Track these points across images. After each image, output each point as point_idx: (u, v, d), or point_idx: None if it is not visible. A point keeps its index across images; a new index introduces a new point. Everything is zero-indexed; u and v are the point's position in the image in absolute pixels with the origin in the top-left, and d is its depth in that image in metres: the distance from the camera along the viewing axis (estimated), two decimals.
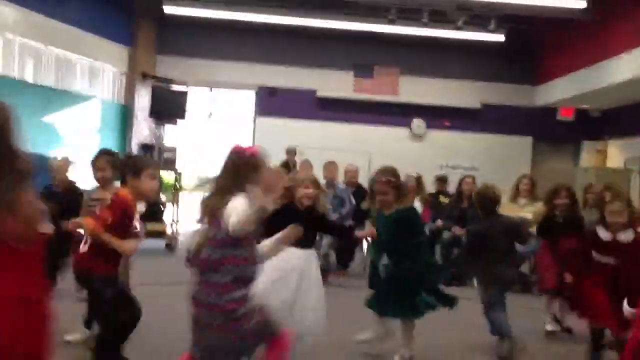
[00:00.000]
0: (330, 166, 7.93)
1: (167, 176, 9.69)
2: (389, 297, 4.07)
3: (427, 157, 12.59)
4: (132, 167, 3.40)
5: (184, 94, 11.84)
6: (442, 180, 8.90)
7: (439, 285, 4.19)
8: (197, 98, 12.81)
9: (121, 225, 3.35)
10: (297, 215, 3.73)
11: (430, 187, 8.92)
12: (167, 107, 11.29)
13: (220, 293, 2.75)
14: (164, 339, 4.32)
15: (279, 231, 3.28)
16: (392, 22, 11.33)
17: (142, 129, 11.92)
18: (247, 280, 2.83)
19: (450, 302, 4.09)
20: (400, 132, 13.20)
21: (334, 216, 6.53)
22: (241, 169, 2.87)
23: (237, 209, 2.70)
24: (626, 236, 3.96)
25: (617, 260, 3.95)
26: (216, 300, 2.75)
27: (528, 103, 13.12)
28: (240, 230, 2.69)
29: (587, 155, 13.23)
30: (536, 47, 12.86)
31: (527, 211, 6.94)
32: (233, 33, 12.77)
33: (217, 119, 13.37)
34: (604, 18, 10.19)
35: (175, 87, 12.12)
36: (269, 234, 3.30)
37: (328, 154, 12.04)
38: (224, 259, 2.77)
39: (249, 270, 2.84)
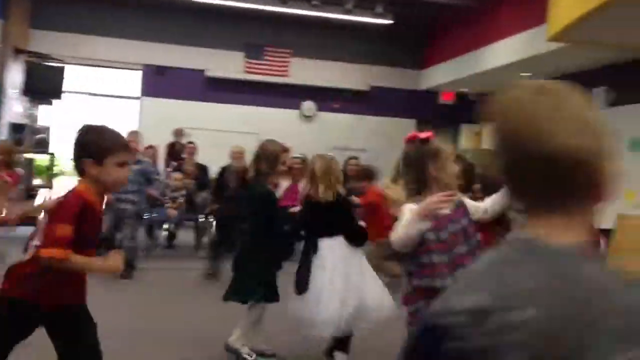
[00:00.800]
0: (132, 136, 6.84)
1: (40, 159, 9.16)
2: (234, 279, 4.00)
3: (317, 138, 12.72)
4: (92, 148, 2.41)
5: (61, 71, 11.15)
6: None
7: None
8: (76, 76, 12.13)
9: (77, 236, 2.33)
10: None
11: None
12: (42, 85, 10.59)
13: (405, 300, 2.56)
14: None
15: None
16: (283, 2, 11.29)
17: (14, 108, 11.12)
18: (426, 292, 2.41)
19: (271, 298, 3.91)
20: (290, 114, 13.25)
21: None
22: (416, 160, 2.52)
23: (401, 220, 2.39)
24: None
25: None
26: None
27: (414, 86, 13.59)
28: (396, 246, 2.41)
29: (466, 138, 13.95)
30: (422, 32, 13.31)
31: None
32: (116, 8, 12.19)
33: (99, 99, 12.77)
34: (486, 5, 10.73)
35: (52, 64, 11.38)
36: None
37: (217, 135, 11.92)
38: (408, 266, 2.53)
39: (425, 281, 2.44)
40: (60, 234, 2.25)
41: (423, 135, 2.53)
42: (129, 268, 6.16)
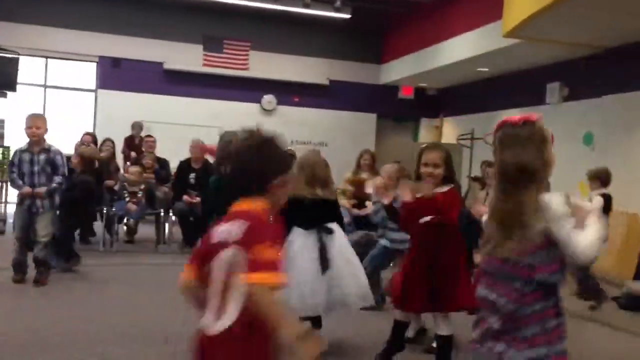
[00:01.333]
0: (38, 122, 5.69)
1: None
2: None
3: (278, 132, 12.68)
4: (279, 163, 1.99)
5: (16, 63, 10.83)
6: (290, 156, 9.06)
7: None
8: (30, 68, 11.79)
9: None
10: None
11: None
12: None
13: (520, 303, 2.19)
14: None
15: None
16: None
17: None
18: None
19: None
20: (250, 108, 13.19)
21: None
22: (531, 143, 2.16)
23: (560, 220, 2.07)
24: (442, 189, 3.63)
25: (433, 215, 3.59)
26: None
27: (374, 81, 13.71)
28: (592, 257, 2.09)
29: (425, 132, 14.17)
30: (381, 27, 13.43)
31: (369, 185, 7.31)
32: None
33: (54, 91, 12.46)
34: (443, 1, 10.90)
35: (6, 55, 11.03)
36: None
37: (176, 129, 11.80)
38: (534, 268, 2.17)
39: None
40: (270, 255, 1.74)
41: (535, 116, 2.22)
42: (46, 270, 5.70)
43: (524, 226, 2.12)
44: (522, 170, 2.14)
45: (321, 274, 3.85)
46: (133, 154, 9.93)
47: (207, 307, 1.84)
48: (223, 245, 1.83)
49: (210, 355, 1.82)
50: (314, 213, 4.03)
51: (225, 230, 1.86)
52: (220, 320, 1.79)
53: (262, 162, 1.94)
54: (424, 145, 3.93)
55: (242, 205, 1.92)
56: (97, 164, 7.71)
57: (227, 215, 1.93)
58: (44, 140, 5.60)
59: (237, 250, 1.79)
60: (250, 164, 1.94)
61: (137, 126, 10.69)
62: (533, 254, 2.14)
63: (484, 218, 4.12)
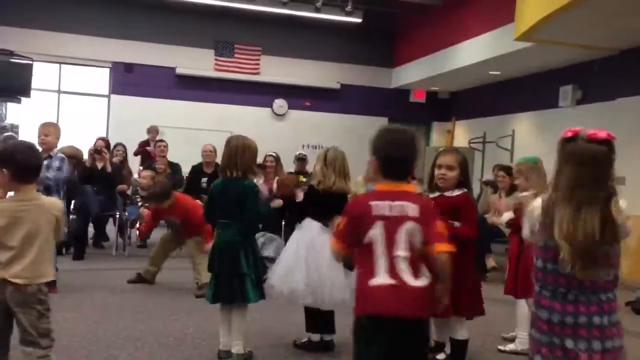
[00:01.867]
0: (45, 129, 5.46)
1: None
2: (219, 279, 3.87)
3: (289, 136, 12.74)
4: (417, 155, 2.56)
5: (30, 68, 10.94)
6: (301, 160, 9.05)
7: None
8: (44, 74, 11.91)
9: None
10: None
11: (290, 166, 9.06)
12: (9, 82, 10.36)
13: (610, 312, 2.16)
14: None
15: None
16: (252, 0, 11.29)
17: None
18: None
19: (264, 294, 3.86)
20: (261, 112, 13.24)
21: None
22: (607, 162, 2.14)
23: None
24: (454, 193, 3.63)
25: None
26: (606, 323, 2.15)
27: (385, 85, 13.70)
28: None
29: (437, 135, 14.12)
30: (392, 31, 13.42)
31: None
32: (84, 4, 12.03)
33: (68, 96, 12.57)
34: (454, 5, 10.88)
35: (20, 61, 11.16)
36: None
37: (188, 133, 11.86)
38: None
39: None
40: (444, 229, 2.41)
41: (612, 135, 2.17)
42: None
43: (614, 241, 2.14)
44: (601, 188, 2.12)
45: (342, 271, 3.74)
46: (150, 148, 9.99)
47: (389, 266, 2.33)
48: (402, 218, 2.34)
49: (411, 303, 2.32)
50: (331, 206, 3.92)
51: (393, 206, 2.35)
52: (420, 278, 2.34)
53: (414, 153, 2.44)
54: (440, 149, 3.92)
55: (399, 187, 2.40)
56: (111, 165, 7.75)
57: (382, 192, 2.40)
58: (55, 147, 5.53)
59: (416, 224, 2.34)
60: (409, 154, 2.43)
61: (153, 130, 10.76)
62: (617, 266, 2.17)
63: (503, 219, 4.10)
